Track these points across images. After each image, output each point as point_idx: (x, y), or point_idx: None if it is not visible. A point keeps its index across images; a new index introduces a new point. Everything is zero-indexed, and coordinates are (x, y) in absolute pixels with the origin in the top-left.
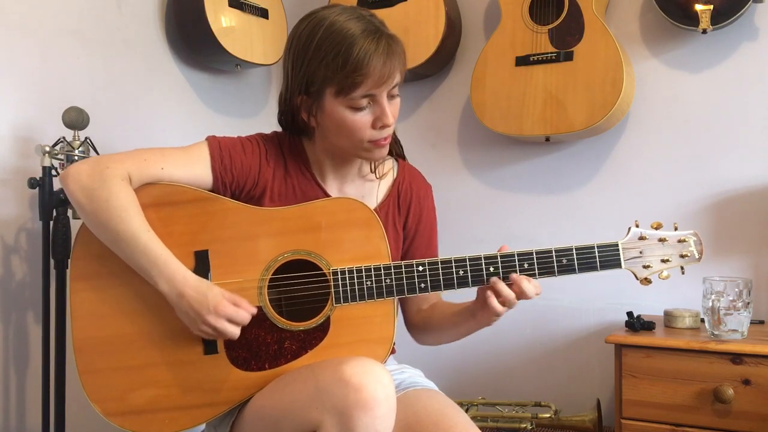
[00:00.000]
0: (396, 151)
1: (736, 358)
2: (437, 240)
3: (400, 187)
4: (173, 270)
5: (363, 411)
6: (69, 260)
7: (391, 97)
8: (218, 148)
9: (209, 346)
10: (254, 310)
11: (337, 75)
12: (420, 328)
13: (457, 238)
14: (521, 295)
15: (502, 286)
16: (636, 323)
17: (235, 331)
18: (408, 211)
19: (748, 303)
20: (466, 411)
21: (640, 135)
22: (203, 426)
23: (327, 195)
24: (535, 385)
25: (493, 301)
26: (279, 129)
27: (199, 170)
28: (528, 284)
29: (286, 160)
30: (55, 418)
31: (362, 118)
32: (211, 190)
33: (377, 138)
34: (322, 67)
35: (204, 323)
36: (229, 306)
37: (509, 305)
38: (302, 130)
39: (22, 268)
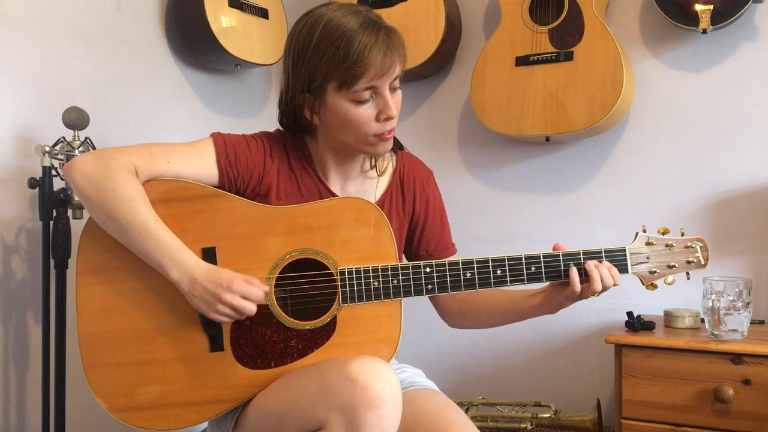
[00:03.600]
0: (394, 145)
1: (736, 358)
2: (449, 225)
3: (401, 175)
4: (183, 257)
5: (369, 409)
6: (69, 260)
7: (392, 89)
8: (223, 143)
9: (215, 343)
10: (266, 288)
11: (339, 69)
12: (460, 313)
13: (457, 238)
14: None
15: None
16: (636, 323)
17: (251, 308)
18: (414, 198)
19: (748, 303)
20: (466, 411)
21: (640, 135)
22: (205, 424)
23: (330, 192)
24: (535, 385)
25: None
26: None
27: (204, 165)
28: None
29: (289, 157)
30: (55, 417)
31: (365, 112)
32: (217, 186)
33: (382, 131)
34: (323, 62)
35: (221, 302)
36: (243, 283)
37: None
38: (305, 129)
39: (22, 268)
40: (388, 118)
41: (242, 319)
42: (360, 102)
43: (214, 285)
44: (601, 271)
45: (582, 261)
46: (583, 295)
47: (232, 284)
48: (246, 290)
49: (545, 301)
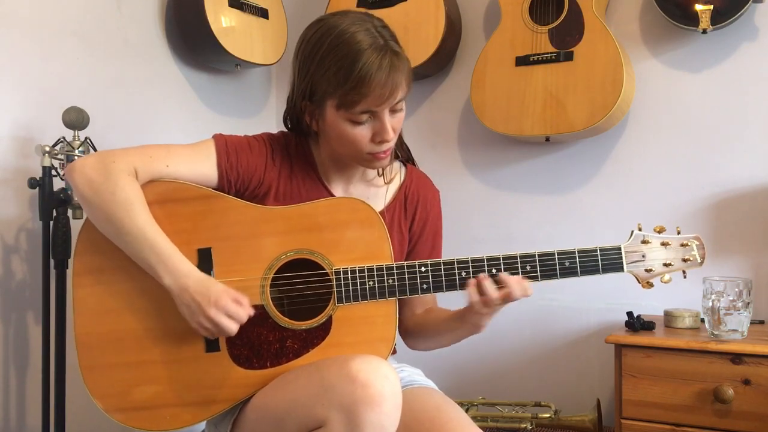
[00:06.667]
0: (404, 155)
1: (736, 358)
2: (441, 246)
3: (407, 191)
4: (177, 264)
5: (370, 407)
6: (69, 260)
7: (393, 111)
8: (224, 145)
9: (211, 344)
10: (252, 311)
11: (338, 90)
12: (413, 332)
13: (456, 238)
14: (508, 296)
15: (487, 285)
16: (636, 323)
17: (233, 328)
18: (414, 215)
19: (748, 303)
20: (466, 411)
21: (640, 135)
22: (203, 425)
23: (332, 195)
24: (535, 385)
25: (475, 300)
26: (283, 128)
27: (204, 167)
28: (516, 284)
29: (292, 160)
30: (55, 417)
31: (361, 132)
32: (216, 188)
33: (376, 151)
34: (324, 79)
35: (204, 316)
36: (231, 303)
37: (490, 305)
38: (306, 132)
39: (22, 268)
40: (383, 141)
41: (220, 336)
42: (356, 123)
43: (201, 296)
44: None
45: (577, 259)
46: (488, 309)
47: (219, 301)
48: (232, 310)
49: (465, 321)
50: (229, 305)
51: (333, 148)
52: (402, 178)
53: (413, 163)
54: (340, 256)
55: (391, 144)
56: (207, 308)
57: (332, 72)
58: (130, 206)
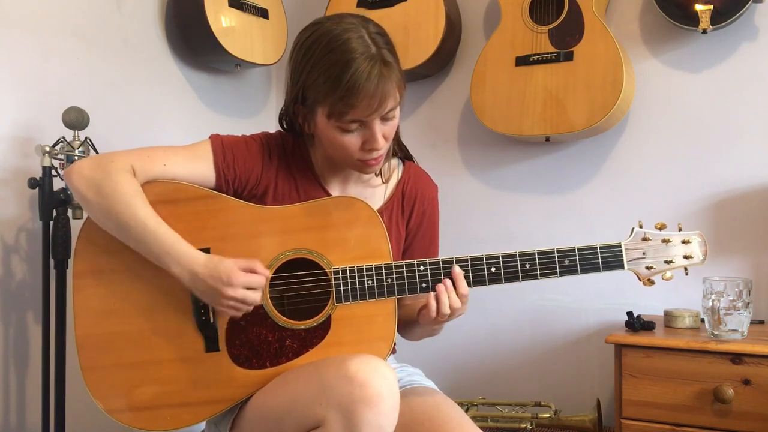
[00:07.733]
0: (401, 153)
1: (736, 358)
2: (438, 243)
3: (405, 188)
4: (182, 251)
5: (368, 407)
6: (69, 260)
7: (384, 119)
8: (221, 146)
9: (210, 344)
10: (268, 273)
11: (328, 99)
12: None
13: (456, 238)
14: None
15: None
16: (636, 323)
17: (255, 297)
18: (412, 212)
19: (748, 303)
20: (466, 411)
21: (639, 135)
22: (203, 424)
23: (329, 195)
24: (535, 385)
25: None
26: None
27: (201, 168)
28: (454, 297)
29: (289, 160)
30: (55, 417)
31: (350, 140)
32: (214, 188)
33: (366, 158)
34: (315, 86)
35: (223, 297)
36: (242, 274)
37: (441, 313)
38: (301, 133)
39: (22, 268)
40: (372, 150)
41: (249, 310)
42: (346, 131)
43: (214, 280)
44: (450, 295)
45: (577, 257)
46: (437, 321)
47: (231, 277)
48: (247, 281)
49: (421, 321)
50: (242, 278)
51: (326, 151)
52: (399, 176)
53: (412, 159)
54: (339, 255)
55: (382, 151)
56: (224, 289)
57: (322, 80)
58: (132, 199)
